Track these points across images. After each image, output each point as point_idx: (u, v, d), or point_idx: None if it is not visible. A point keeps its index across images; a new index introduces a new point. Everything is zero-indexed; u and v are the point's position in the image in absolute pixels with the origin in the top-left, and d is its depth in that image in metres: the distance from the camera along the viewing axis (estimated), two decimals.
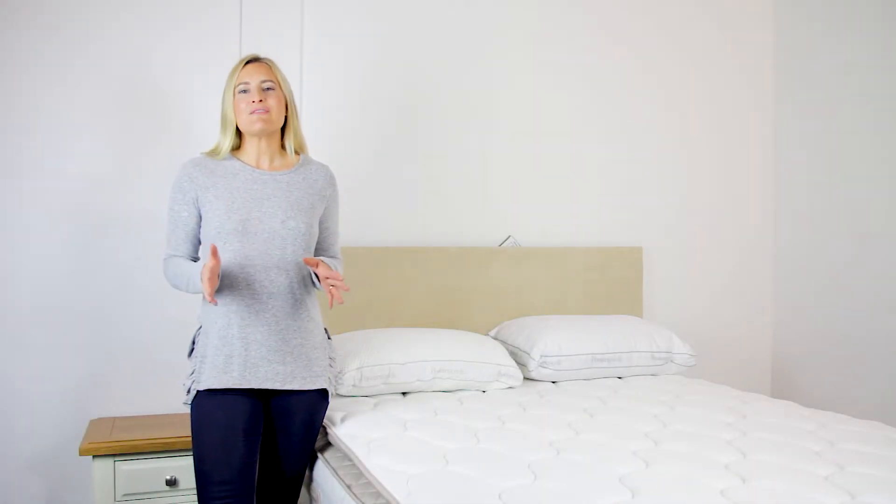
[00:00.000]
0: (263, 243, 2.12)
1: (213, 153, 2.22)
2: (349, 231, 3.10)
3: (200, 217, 2.17)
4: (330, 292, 2.08)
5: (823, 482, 1.79)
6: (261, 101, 2.14)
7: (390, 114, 3.25)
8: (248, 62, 2.20)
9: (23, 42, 2.76)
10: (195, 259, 2.22)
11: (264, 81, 2.17)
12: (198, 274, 2.06)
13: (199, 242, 2.21)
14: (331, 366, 2.28)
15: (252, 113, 2.15)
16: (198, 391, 2.11)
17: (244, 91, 2.16)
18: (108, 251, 2.86)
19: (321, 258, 2.18)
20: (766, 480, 1.79)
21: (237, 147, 2.24)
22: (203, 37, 2.96)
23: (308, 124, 3.04)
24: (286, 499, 2.25)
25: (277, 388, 2.14)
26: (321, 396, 2.23)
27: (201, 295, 2.19)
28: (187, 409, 2.16)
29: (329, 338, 2.32)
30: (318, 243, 2.31)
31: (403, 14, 3.27)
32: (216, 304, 2.03)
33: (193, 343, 2.20)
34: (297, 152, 2.28)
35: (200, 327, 2.19)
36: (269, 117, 2.16)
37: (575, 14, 3.56)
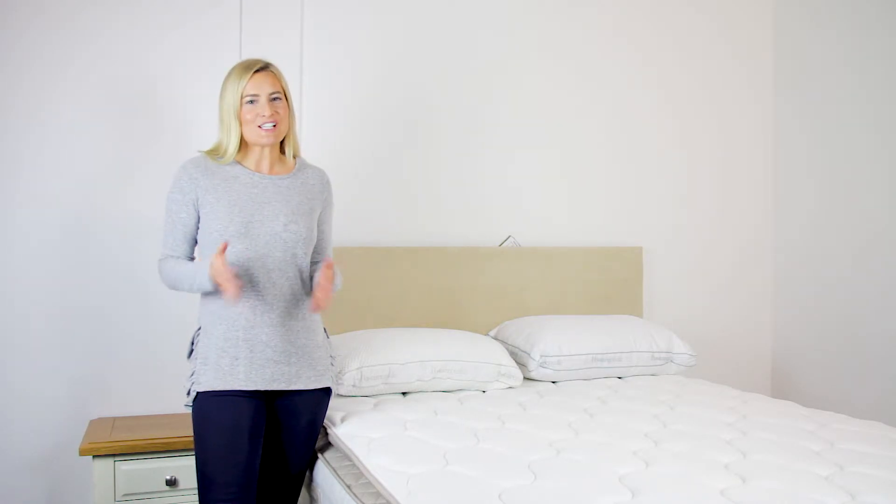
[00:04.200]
0: (265, 246, 2.13)
1: (215, 154, 2.19)
2: (349, 231, 3.10)
3: (199, 218, 2.16)
4: (316, 298, 2.12)
5: (823, 482, 1.79)
6: (272, 114, 2.13)
7: (390, 114, 3.25)
8: (256, 70, 2.15)
9: (21, 43, 2.76)
10: (190, 261, 2.21)
11: (272, 93, 2.15)
12: (204, 272, 2.05)
13: (196, 244, 2.21)
14: (332, 364, 2.30)
15: (261, 127, 2.13)
16: (198, 393, 2.11)
17: (252, 102, 2.14)
18: (108, 251, 2.86)
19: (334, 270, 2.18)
20: (766, 480, 1.80)
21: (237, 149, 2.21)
22: (203, 37, 2.96)
23: (308, 124, 3.05)
24: (287, 498, 2.25)
25: (283, 389, 2.15)
26: (324, 394, 2.24)
27: (200, 295, 2.18)
28: (187, 410, 2.16)
29: (328, 337, 2.33)
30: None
31: (403, 15, 3.27)
32: (236, 304, 2.07)
33: (193, 344, 2.19)
34: (293, 156, 2.29)
35: (199, 328, 2.18)
36: (277, 131, 2.16)
37: (575, 14, 3.56)
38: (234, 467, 2.04)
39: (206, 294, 2.16)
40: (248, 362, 2.10)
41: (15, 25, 2.75)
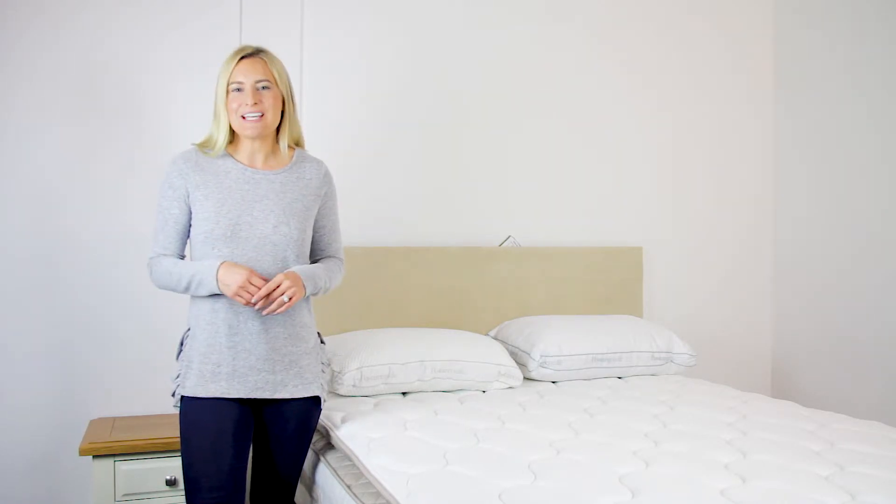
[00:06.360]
0: (254, 249, 2.06)
1: (206, 146, 2.12)
2: (349, 231, 3.09)
3: (191, 214, 2.10)
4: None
5: (823, 482, 1.79)
6: (255, 104, 2.04)
7: (390, 114, 3.25)
8: (243, 57, 2.07)
9: (21, 43, 2.75)
10: (181, 258, 2.14)
11: (259, 81, 2.06)
12: (211, 276, 1.99)
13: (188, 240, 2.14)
14: (323, 371, 2.23)
15: (244, 117, 2.06)
16: (183, 396, 2.08)
17: (238, 90, 2.06)
18: (108, 250, 2.86)
19: (294, 269, 2.08)
20: (766, 480, 1.80)
21: (230, 141, 2.13)
22: (203, 37, 2.95)
23: (308, 123, 3.04)
24: (281, 502, 2.22)
25: (267, 398, 2.11)
26: (313, 403, 2.19)
27: (189, 296, 2.14)
28: (176, 410, 2.12)
29: (322, 342, 2.28)
30: (314, 243, 2.24)
31: (404, 15, 3.27)
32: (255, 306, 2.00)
33: (181, 345, 2.15)
34: (291, 147, 2.20)
35: (189, 329, 2.14)
36: (263, 122, 2.07)
37: (575, 17, 3.56)
38: (220, 471, 2.01)
39: (195, 296, 2.11)
40: (231, 370, 2.05)
41: (15, 25, 2.75)
